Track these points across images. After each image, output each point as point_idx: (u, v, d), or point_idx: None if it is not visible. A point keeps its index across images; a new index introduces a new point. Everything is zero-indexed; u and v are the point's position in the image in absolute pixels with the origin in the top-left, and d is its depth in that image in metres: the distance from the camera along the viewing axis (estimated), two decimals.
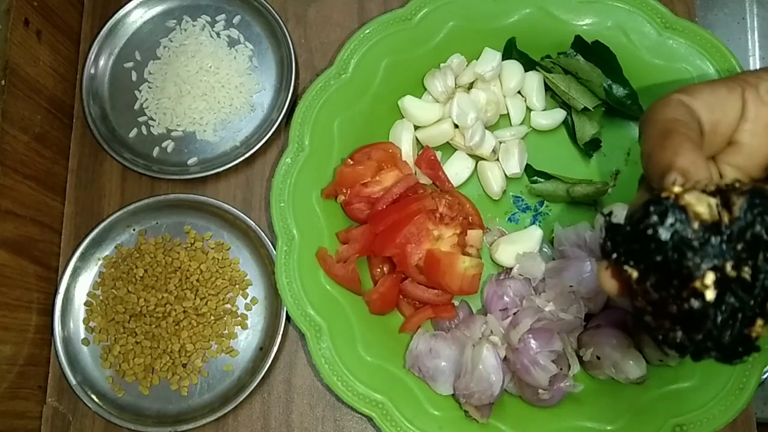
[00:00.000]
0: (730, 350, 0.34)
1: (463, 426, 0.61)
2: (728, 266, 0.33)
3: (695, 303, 0.33)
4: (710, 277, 0.33)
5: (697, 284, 0.33)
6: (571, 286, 0.61)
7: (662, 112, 0.42)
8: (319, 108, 0.67)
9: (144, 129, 0.73)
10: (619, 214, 0.62)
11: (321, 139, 0.67)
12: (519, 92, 0.71)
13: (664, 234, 0.33)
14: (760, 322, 0.34)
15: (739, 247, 0.33)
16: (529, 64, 0.70)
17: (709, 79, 0.45)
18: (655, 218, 0.34)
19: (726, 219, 0.33)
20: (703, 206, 0.33)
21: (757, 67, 0.97)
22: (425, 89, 0.71)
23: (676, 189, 0.34)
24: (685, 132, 0.40)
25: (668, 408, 0.60)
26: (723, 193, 0.34)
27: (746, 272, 0.33)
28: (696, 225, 0.33)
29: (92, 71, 0.74)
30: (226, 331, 0.67)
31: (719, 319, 0.33)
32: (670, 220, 0.33)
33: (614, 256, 0.36)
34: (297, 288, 0.63)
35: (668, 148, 0.39)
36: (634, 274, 0.35)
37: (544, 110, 0.71)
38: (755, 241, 0.33)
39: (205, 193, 0.72)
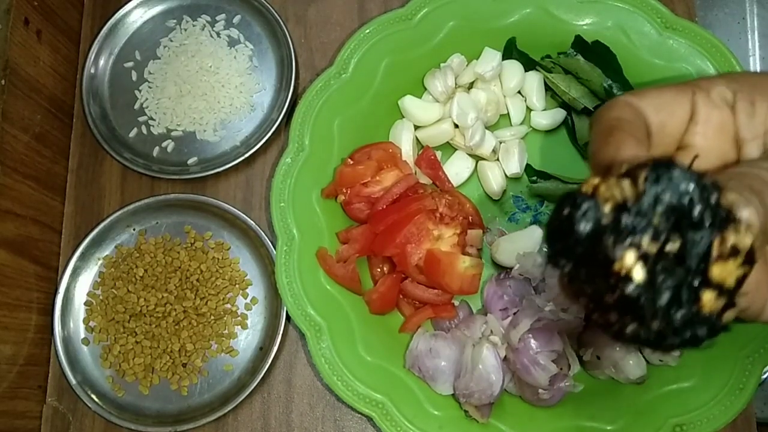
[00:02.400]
0: (689, 333, 0.32)
1: (463, 426, 0.61)
2: (645, 241, 0.32)
3: (628, 287, 0.31)
4: (629, 256, 0.31)
5: (618, 266, 0.32)
6: None
7: (608, 112, 0.42)
8: (319, 108, 0.67)
9: (144, 129, 0.73)
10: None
11: (321, 138, 0.67)
12: (519, 92, 0.71)
13: (581, 225, 0.32)
14: (708, 295, 0.32)
15: (656, 220, 0.32)
16: (529, 64, 0.70)
17: (656, 86, 0.46)
18: (567, 210, 0.33)
19: (631, 195, 0.32)
20: (612, 189, 0.33)
21: (758, 67, 0.97)
22: (425, 89, 0.71)
23: (594, 181, 0.33)
24: (627, 129, 0.40)
25: (668, 408, 0.60)
26: (631, 172, 0.33)
27: (673, 245, 0.32)
28: (607, 208, 0.32)
29: (92, 71, 0.74)
30: (226, 331, 0.67)
31: (662, 299, 0.31)
32: (581, 210, 0.32)
33: (549, 260, 0.35)
34: (297, 288, 0.63)
35: (611, 144, 0.39)
36: (566, 271, 0.34)
37: (544, 110, 0.71)
38: (671, 211, 0.32)
39: (205, 193, 0.72)
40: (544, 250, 0.66)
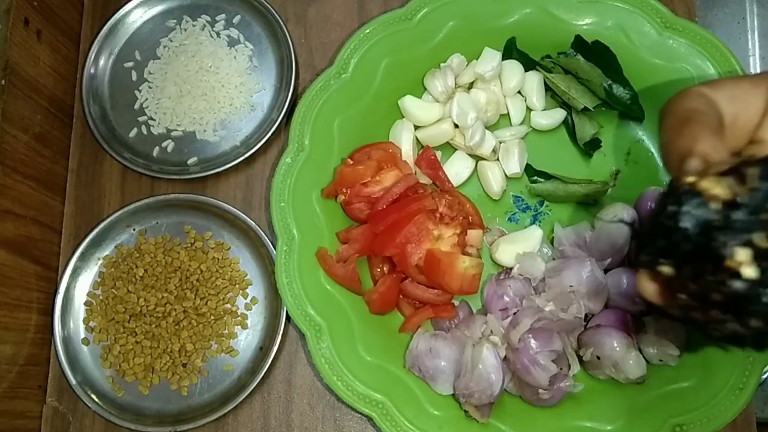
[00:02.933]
0: None
1: (463, 426, 0.61)
2: (757, 238, 0.31)
3: (737, 284, 0.31)
4: (742, 254, 0.31)
5: (730, 263, 0.31)
6: (571, 286, 0.61)
7: (681, 103, 0.41)
8: (319, 108, 0.67)
9: (144, 129, 0.73)
10: (620, 214, 0.62)
11: (321, 138, 0.67)
12: (519, 92, 0.71)
13: (685, 222, 0.32)
14: None
15: (765, 216, 0.31)
16: (529, 64, 0.70)
17: (732, 77, 0.45)
18: (672, 208, 0.33)
19: (742, 192, 0.32)
20: (718, 186, 0.32)
21: (758, 67, 0.97)
22: (425, 89, 0.71)
23: (690, 179, 0.33)
24: (704, 120, 0.39)
25: (668, 408, 0.60)
26: (736, 170, 0.33)
27: None
28: (714, 205, 0.32)
29: (92, 71, 0.74)
30: (226, 331, 0.67)
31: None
32: (687, 207, 0.32)
33: (643, 258, 0.35)
34: (297, 288, 0.63)
35: (687, 135, 0.38)
36: (668, 270, 0.34)
37: (544, 110, 0.71)
38: None
39: (205, 192, 0.72)
40: (545, 250, 0.66)
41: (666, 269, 0.34)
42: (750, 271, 0.31)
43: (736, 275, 0.31)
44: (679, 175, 0.35)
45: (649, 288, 0.37)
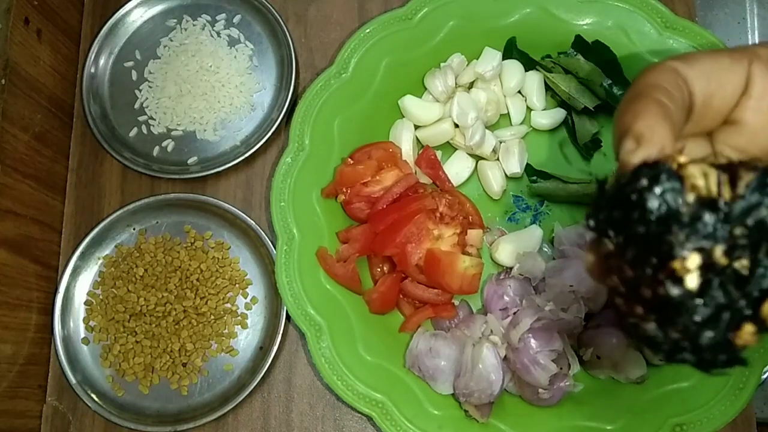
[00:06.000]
0: (709, 356, 0.29)
1: (463, 425, 0.61)
2: (718, 251, 0.28)
3: (673, 289, 0.28)
4: (694, 260, 0.28)
5: (677, 265, 0.28)
6: (571, 286, 0.61)
7: (647, 76, 0.37)
8: (320, 107, 0.67)
9: (144, 128, 0.73)
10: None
11: (321, 138, 0.67)
12: (519, 92, 0.71)
13: (652, 202, 0.28)
14: (749, 328, 0.29)
15: (738, 231, 0.28)
16: (529, 64, 0.70)
17: (711, 51, 0.40)
18: (644, 182, 0.29)
19: (727, 196, 0.28)
20: (704, 178, 0.29)
21: None
22: (425, 89, 0.71)
23: (682, 158, 0.29)
24: (657, 97, 0.35)
25: (668, 408, 0.60)
26: (732, 168, 0.29)
27: (742, 264, 0.28)
28: (691, 197, 0.28)
29: (92, 70, 0.74)
30: (226, 331, 0.67)
31: (700, 314, 0.28)
32: (661, 186, 0.29)
33: (591, 223, 0.31)
34: (297, 287, 0.63)
35: (631, 111, 0.35)
36: (610, 245, 0.30)
37: (544, 110, 0.71)
38: (758, 228, 0.28)
39: (205, 192, 0.72)
40: (545, 250, 0.66)
41: (608, 243, 0.30)
42: (693, 282, 0.28)
43: (678, 280, 0.28)
44: (617, 154, 0.32)
45: (588, 257, 0.33)
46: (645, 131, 0.33)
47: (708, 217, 0.28)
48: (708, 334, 0.28)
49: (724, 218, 0.28)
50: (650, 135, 0.33)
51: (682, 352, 0.29)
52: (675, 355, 0.30)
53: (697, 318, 0.28)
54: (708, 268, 0.28)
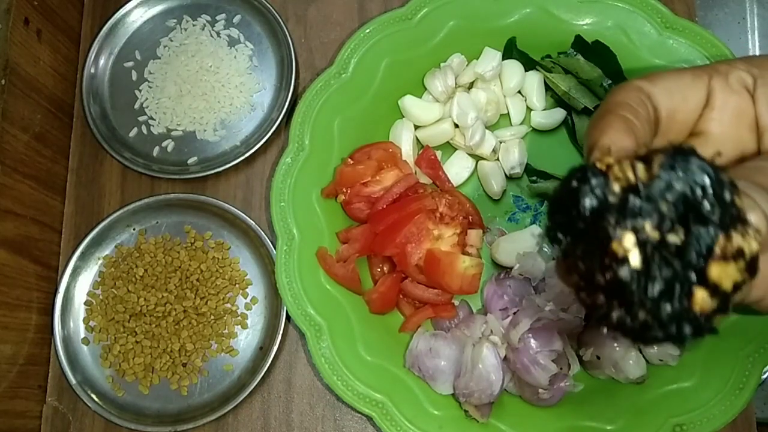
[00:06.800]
0: (674, 329, 0.31)
1: (463, 425, 0.61)
2: (648, 226, 0.31)
3: (622, 271, 0.31)
4: (629, 239, 0.31)
5: (615, 246, 0.31)
6: None
7: (614, 96, 0.41)
8: (320, 107, 0.67)
9: (144, 128, 0.73)
10: None
11: (321, 138, 0.67)
12: (519, 92, 0.71)
13: (584, 199, 0.32)
14: (701, 293, 0.31)
15: (664, 207, 0.31)
16: (529, 64, 0.70)
17: (674, 70, 0.44)
18: (574, 183, 0.32)
19: (644, 178, 0.31)
20: (626, 170, 0.32)
21: None
22: (425, 89, 0.71)
23: (609, 159, 0.33)
24: (622, 114, 0.39)
25: (668, 408, 0.60)
26: (648, 154, 0.32)
27: (677, 236, 0.31)
28: (616, 187, 0.32)
29: (92, 71, 0.74)
30: (226, 331, 0.67)
31: (654, 290, 0.30)
32: (588, 186, 0.32)
33: (545, 231, 0.34)
34: (297, 287, 0.63)
35: (598, 127, 0.38)
36: (563, 246, 0.34)
37: (544, 110, 0.71)
38: (682, 201, 0.31)
39: (205, 192, 0.72)
40: (545, 250, 0.66)
41: (564, 246, 0.34)
42: (635, 259, 0.31)
43: (623, 261, 0.31)
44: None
45: (554, 263, 0.37)
46: (609, 145, 0.36)
47: (632, 200, 0.31)
48: (666, 308, 0.31)
49: (647, 198, 0.31)
50: (615, 148, 0.36)
51: (651, 331, 0.31)
52: (646, 335, 0.32)
53: (652, 293, 0.31)
54: (645, 245, 0.31)
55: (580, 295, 0.34)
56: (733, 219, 0.31)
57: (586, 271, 0.33)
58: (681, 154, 0.32)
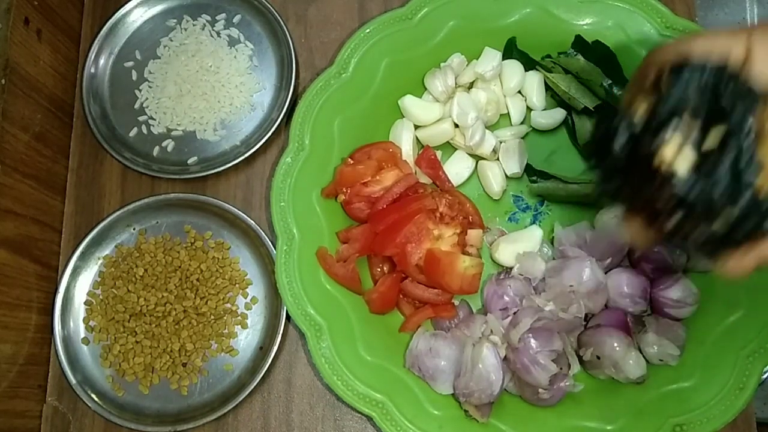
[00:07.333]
0: (755, 221, 0.31)
1: (463, 425, 0.61)
2: (683, 127, 0.32)
3: (676, 184, 0.32)
4: (668, 150, 0.32)
5: (658, 160, 0.32)
6: (571, 286, 0.61)
7: (651, 56, 0.43)
8: (320, 107, 0.67)
9: (144, 128, 0.73)
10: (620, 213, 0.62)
11: (321, 138, 0.67)
12: (519, 92, 0.71)
13: (616, 142, 0.34)
14: (764, 177, 0.31)
15: (693, 102, 0.32)
16: (529, 64, 0.70)
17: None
18: (602, 130, 0.34)
19: (658, 102, 0.33)
20: (641, 103, 0.34)
21: None
22: (425, 89, 0.71)
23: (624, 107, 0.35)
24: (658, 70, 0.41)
25: (668, 408, 0.60)
26: (655, 84, 0.34)
27: (715, 135, 0.31)
28: (638, 119, 0.33)
29: (92, 70, 0.74)
30: (226, 331, 0.67)
31: (718, 190, 0.31)
32: (615, 127, 0.34)
33: (596, 186, 0.36)
34: (297, 287, 0.63)
35: (634, 83, 0.40)
36: (618, 193, 0.35)
37: (544, 110, 0.71)
38: (703, 94, 0.32)
39: (205, 192, 0.72)
40: (545, 250, 0.66)
41: (615, 191, 0.36)
42: (684, 166, 0.32)
43: (671, 176, 0.32)
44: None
45: (624, 226, 0.37)
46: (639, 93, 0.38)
47: (654, 121, 0.33)
48: (740, 202, 0.31)
49: (665, 112, 0.33)
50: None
51: (746, 222, 0.32)
52: (740, 229, 0.32)
53: (717, 193, 0.31)
54: (688, 152, 0.32)
55: (663, 234, 0.34)
56: (749, 96, 0.32)
57: (646, 203, 0.33)
58: (680, 64, 0.33)
